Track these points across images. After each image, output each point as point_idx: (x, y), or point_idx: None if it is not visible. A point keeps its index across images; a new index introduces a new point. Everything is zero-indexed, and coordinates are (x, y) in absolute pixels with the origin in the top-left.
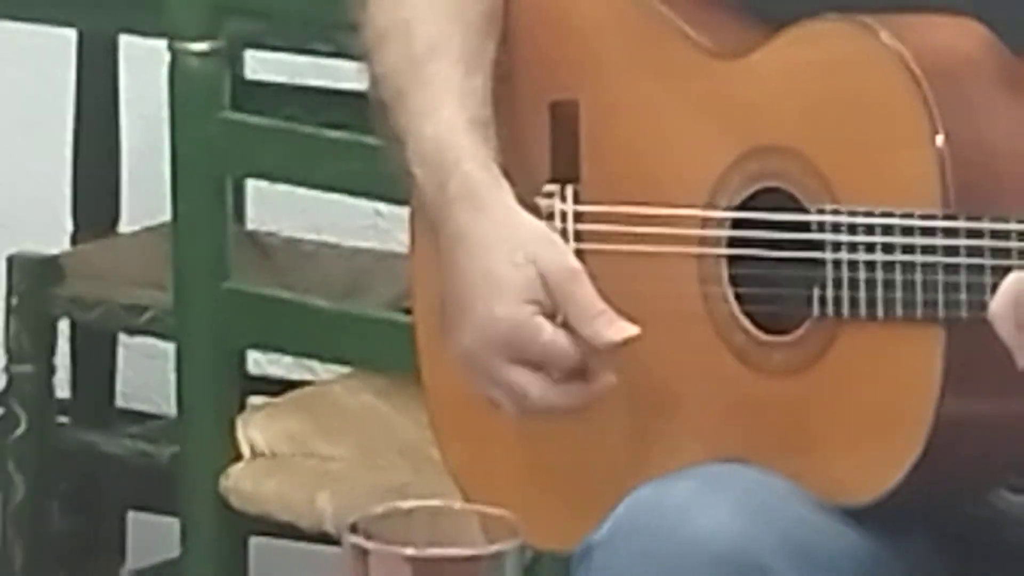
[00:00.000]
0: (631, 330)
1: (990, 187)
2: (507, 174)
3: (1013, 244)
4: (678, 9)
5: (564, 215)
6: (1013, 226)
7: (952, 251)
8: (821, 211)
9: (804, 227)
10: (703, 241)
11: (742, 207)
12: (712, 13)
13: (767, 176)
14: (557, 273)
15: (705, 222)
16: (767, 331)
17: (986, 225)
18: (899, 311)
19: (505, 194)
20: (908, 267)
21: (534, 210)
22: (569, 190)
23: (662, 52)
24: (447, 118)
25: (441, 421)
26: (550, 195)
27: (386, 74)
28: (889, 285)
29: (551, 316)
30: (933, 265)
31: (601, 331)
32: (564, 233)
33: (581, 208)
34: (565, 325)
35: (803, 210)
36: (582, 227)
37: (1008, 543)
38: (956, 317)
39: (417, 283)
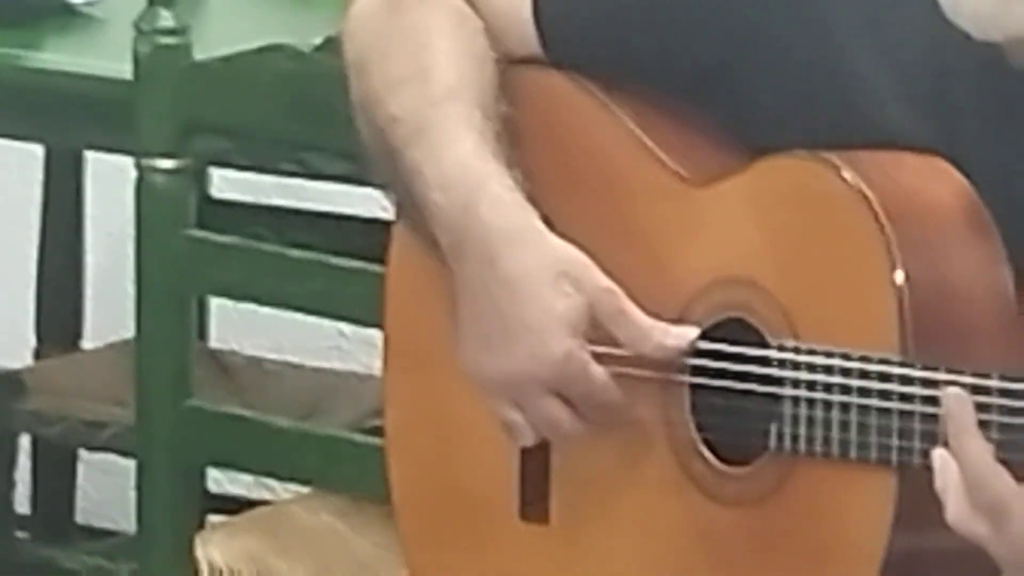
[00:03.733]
0: (691, 331)
1: (952, 332)
2: None
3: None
4: (655, 131)
5: None
6: (967, 379)
7: (907, 398)
8: (782, 347)
9: (765, 361)
10: (668, 366)
11: (707, 335)
12: (691, 137)
13: (732, 307)
14: (604, 298)
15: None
16: (726, 461)
17: (941, 376)
18: (853, 453)
19: (534, 216)
20: (864, 410)
21: None
22: None
23: (636, 175)
24: (471, 147)
25: (409, 526)
26: None
27: (402, 116)
28: (845, 426)
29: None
30: (888, 410)
31: (663, 341)
32: None
33: None
34: (599, 357)
35: (765, 344)
36: None
37: None
38: (909, 463)
39: (391, 400)
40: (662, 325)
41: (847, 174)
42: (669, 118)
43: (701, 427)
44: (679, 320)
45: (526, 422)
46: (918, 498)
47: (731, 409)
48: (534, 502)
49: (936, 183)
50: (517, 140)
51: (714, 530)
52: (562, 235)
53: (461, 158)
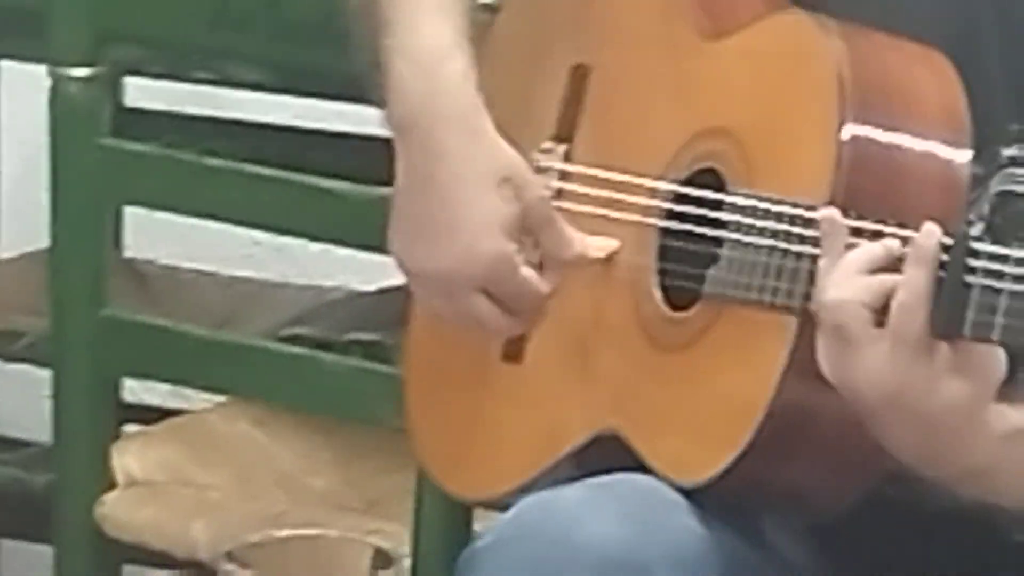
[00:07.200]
0: (611, 243)
1: (887, 203)
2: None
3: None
4: None
5: (552, 172)
6: (867, 224)
7: (816, 242)
8: (733, 194)
9: (719, 207)
10: (647, 212)
11: (689, 183)
12: None
13: (709, 157)
14: (537, 207)
15: (652, 194)
16: (680, 308)
17: (850, 221)
18: (767, 298)
19: (489, 121)
20: (780, 253)
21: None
22: (561, 149)
23: (665, 28)
24: (450, 25)
25: (412, 375)
26: (546, 151)
27: None
28: (765, 271)
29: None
30: (800, 254)
31: (583, 251)
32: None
33: (563, 167)
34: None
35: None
36: (564, 185)
37: (876, 536)
38: (806, 309)
39: None
40: (582, 236)
41: (830, 32)
42: None
43: (664, 273)
44: (667, 168)
45: (451, 313)
46: (813, 348)
47: (684, 254)
48: (514, 343)
49: (924, 72)
50: None
51: (648, 373)
52: (598, 86)
53: (434, 37)
